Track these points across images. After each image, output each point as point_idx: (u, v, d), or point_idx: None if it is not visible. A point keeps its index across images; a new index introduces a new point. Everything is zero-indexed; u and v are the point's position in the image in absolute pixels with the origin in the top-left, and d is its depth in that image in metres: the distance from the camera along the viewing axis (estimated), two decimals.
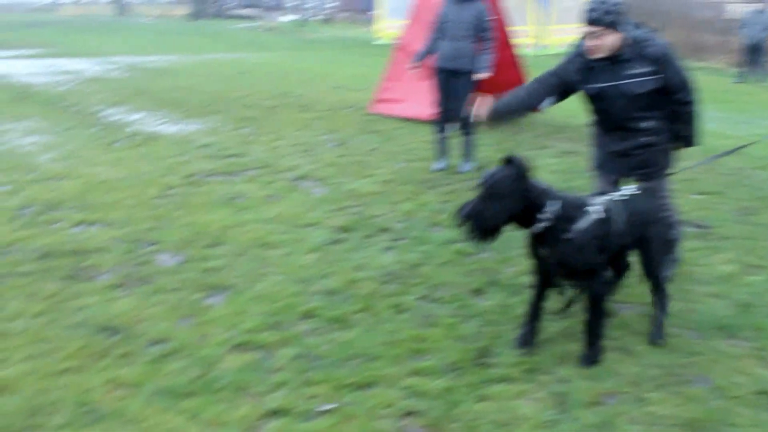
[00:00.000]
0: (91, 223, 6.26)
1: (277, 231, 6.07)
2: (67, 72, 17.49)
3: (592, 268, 3.97)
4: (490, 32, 7.95)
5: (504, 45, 9.89)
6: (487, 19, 7.91)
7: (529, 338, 4.22)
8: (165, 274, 5.20)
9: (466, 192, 7.21)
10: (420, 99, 10.05)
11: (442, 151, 8.34)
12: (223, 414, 3.54)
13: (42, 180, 7.58)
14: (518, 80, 10.31)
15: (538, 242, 3.97)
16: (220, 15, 44.65)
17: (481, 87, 8.00)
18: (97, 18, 46.21)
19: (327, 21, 38.47)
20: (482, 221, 3.74)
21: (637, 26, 4.62)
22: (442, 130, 8.29)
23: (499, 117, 4.93)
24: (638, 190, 4.33)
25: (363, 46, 25.27)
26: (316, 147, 9.29)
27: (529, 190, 3.77)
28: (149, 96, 13.57)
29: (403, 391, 3.80)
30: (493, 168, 3.81)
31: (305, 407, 3.61)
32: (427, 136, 9.37)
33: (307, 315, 4.58)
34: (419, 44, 8.69)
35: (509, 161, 3.76)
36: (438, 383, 3.85)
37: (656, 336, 4.38)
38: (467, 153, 8.29)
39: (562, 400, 3.75)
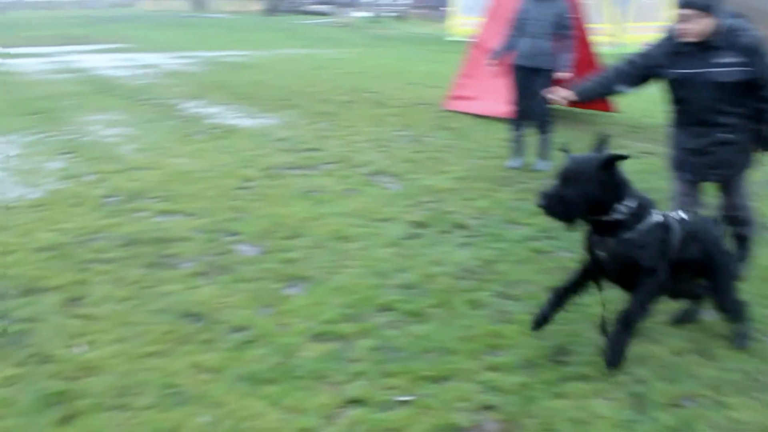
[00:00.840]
0: (173, 213, 6.44)
1: (354, 224, 6.15)
2: (147, 66, 17.94)
3: (651, 268, 3.92)
4: (570, 30, 7.89)
5: (582, 43, 9.79)
6: (568, 16, 7.85)
7: (541, 321, 4.19)
8: (245, 263, 5.32)
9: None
10: (495, 96, 10.01)
11: (518, 149, 8.31)
12: (303, 401, 3.61)
13: (125, 170, 7.81)
14: None
15: (601, 235, 3.94)
16: (294, 10, 45.08)
17: (560, 85, 7.96)
18: (174, 13, 47.14)
19: (400, 17, 38.47)
20: (562, 204, 3.77)
21: (734, 16, 4.52)
22: (518, 128, 8.26)
23: (581, 100, 4.96)
24: (703, 218, 4.45)
25: (436, 43, 25.23)
26: (390, 143, 9.34)
27: (613, 182, 3.81)
28: (227, 90, 13.83)
29: (480, 385, 3.81)
30: (582, 154, 3.88)
31: (383, 398, 3.66)
32: (501, 133, 9.35)
33: (385, 308, 4.64)
34: (495, 41, 8.68)
35: (600, 146, 3.90)
36: (514, 379, 3.85)
37: (740, 341, 4.30)
38: (543, 151, 8.25)
39: (639, 401, 3.72)
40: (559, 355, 4.12)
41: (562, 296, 4.16)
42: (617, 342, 3.95)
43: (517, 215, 6.51)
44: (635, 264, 3.90)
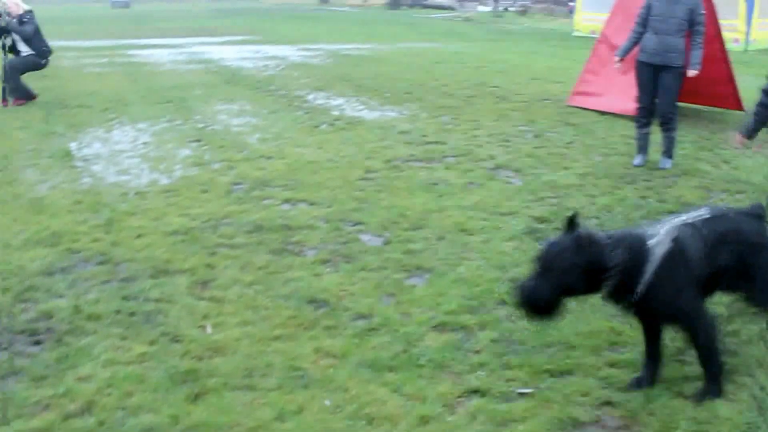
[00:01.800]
0: (298, 202, 6.61)
1: (475, 218, 6.15)
2: (272, 58, 18.41)
3: (683, 310, 3.54)
4: (702, 27, 7.63)
5: (712, 39, 9.43)
6: (701, 13, 7.59)
7: (642, 382, 3.74)
8: (368, 253, 5.41)
9: (665, 189, 7.01)
10: (620, 93, 9.77)
11: (643, 146, 8.09)
12: (424, 389, 3.65)
13: (252, 159, 8.08)
14: (725, 76, 9.92)
15: (615, 301, 3.53)
16: (417, 4, 45.24)
17: (686, 82, 7.72)
18: (300, 7, 48.12)
19: (523, 12, 38.02)
20: (537, 299, 3.35)
21: None
22: (643, 126, 8.04)
23: (750, 138, 5.25)
24: (716, 212, 3.80)
25: (561, 39, 24.80)
26: (513, 137, 9.27)
27: (590, 259, 3.31)
28: (350, 82, 14.04)
29: (601, 381, 3.76)
30: (552, 238, 3.53)
31: (504, 389, 3.66)
32: (624, 130, 9.14)
33: (506, 301, 4.62)
34: (622, 38, 8.47)
35: (570, 226, 3.36)
36: (634, 376, 3.79)
37: None
38: (668, 149, 8.00)
39: (763, 405, 3.59)
40: (680, 355, 4.01)
41: (649, 352, 3.82)
42: (711, 374, 3.63)
43: (640, 213, 6.35)
44: (664, 316, 3.60)
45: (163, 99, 12.24)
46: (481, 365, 3.88)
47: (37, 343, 4.13)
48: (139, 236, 5.77)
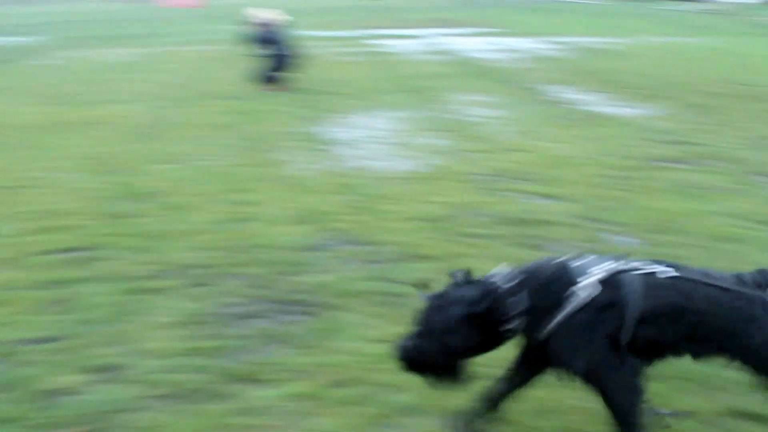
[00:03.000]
0: (545, 196, 6.51)
1: (738, 225, 5.74)
2: (515, 50, 18.30)
3: (597, 373, 2.76)
4: None
5: None
6: None
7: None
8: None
9: None
10: None
11: None
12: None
13: (499, 151, 8.07)
14: None
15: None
16: None
17: None
18: None
19: None
20: (423, 361, 2.83)
21: None
22: None
23: None
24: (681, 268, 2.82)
25: None
26: None
27: (481, 313, 2.75)
28: (596, 77, 13.65)
29: None
30: (433, 294, 2.86)
31: None
32: None
33: None
34: None
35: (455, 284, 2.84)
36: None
37: None
38: None
39: None
40: None
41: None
42: None
43: None
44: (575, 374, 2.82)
45: (408, 88, 12.55)
46: None
47: (301, 313, 4.36)
48: (388, 220, 5.93)
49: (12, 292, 4.75)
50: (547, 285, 2.75)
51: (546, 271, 2.81)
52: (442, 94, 11.92)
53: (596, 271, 2.73)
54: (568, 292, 2.70)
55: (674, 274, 2.75)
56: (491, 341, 2.83)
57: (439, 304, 2.79)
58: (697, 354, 2.83)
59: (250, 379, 3.71)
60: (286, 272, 4.94)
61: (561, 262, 2.84)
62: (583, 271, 2.75)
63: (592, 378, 2.75)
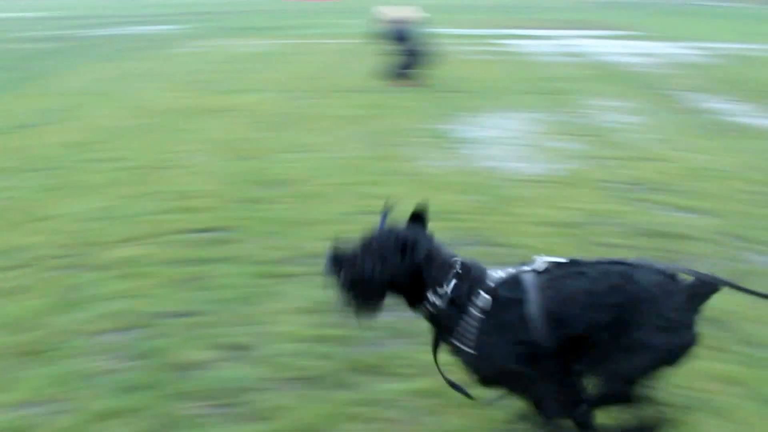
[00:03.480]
0: (685, 209, 6.23)
1: None
2: (654, 55, 17.72)
3: (507, 377, 2.78)
4: None
5: None
6: None
7: None
8: (762, 275, 4.94)
9: None
10: None
11: None
12: None
13: (634, 158, 7.81)
14: None
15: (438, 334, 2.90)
16: None
17: None
18: (675, 1, 45.88)
19: None
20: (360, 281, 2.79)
21: None
22: None
23: None
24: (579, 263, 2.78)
25: None
26: None
27: (425, 260, 2.78)
28: (742, 86, 13.02)
29: None
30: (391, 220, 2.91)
31: None
32: None
33: None
34: None
35: (416, 218, 2.90)
36: None
37: None
38: None
39: None
40: None
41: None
42: None
43: None
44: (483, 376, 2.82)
45: (541, 90, 12.34)
46: None
47: None
48: (519, 223, 5.82)
49: (150, 267, 4.93)
50: (467, 276, 2.78)
51: (473, 266, 2.83)
52: (577, 97, 11.66)
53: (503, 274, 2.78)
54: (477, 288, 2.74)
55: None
56: (411, 292, 2.82)
57: (391, 228, 2.85)
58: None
59: (376, 371, 3.70)
60: None
61: (481, 266, 2.85)
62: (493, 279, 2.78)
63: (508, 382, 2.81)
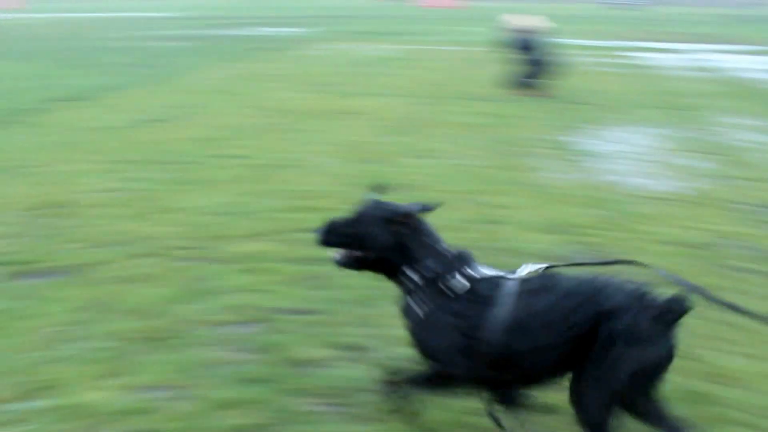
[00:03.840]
0: None
1: None
2: None
3: (440, 362, 2.98)
4: None
5: None
6: None
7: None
8: None
9: None
10: None
11: None
12: None
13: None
14: None
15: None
16: None
17: None
18: None
19: None
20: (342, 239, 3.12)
21: None
22: None
23: None
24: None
25: None
26: None
27: (409, 237, 3.03)
28: None
29: None
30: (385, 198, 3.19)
31: None
32: None
33: None
34: None
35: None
36: None
37: None
38: None
39: None
40: None
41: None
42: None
43: None
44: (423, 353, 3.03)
45: (668, 104, 11.96)
46: None
47: None
48: (644, 241, 5.65)
49: (271, 263, 5.03)
50: (447, 262, 2.96)
51: (457, 255, 3.00)
52: (707, 113, 11.22)
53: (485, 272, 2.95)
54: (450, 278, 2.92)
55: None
56: (390, 267, 3.06)
57: (378, 203, 3.12)
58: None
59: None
60: None
61: (468, 254, 3.02)
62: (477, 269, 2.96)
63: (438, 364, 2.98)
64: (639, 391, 2.75)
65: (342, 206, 6.13)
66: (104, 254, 5.20)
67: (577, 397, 2.79)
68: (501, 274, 2.95)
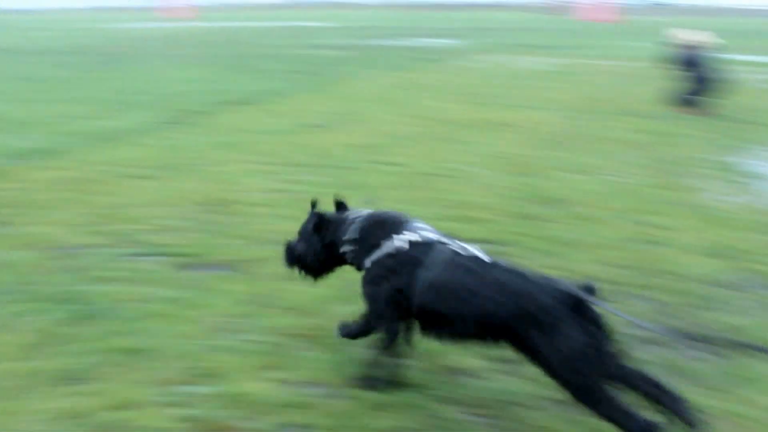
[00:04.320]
0: None
1: None
2: None
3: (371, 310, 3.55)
4: None
5: None
6: None
7: None
8: None
9: None
10: None
11: None
12: None
13: None
14: None
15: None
16: None
17: None
18: None
19: None
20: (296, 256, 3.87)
21: None
22: None
23: None
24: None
25: None
26: None
27: (324, 230, 3.74)
28: None
29: None
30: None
31: None
32: None
33: None
34: None
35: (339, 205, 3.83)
36: None
37: None
38: None
39: None
40: None
41: None
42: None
43: None
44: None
45: None
46: None
47: (710, 352, 4.06)
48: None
49: None
50: (376, 227, 3.45)
51: (383, 217, 3.50)
52: None
53: (421, 233, 3.32)
54: (387, 239, 3.36)
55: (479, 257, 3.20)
56: (333, 257, 3.73)
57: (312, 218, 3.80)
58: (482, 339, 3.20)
59: (644, 405, 3.52)
60: (696, 305, 4.64)
61: (400, 215, 3.50)
62: (412, 229, 3.36)
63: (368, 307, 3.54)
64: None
65: (497, 218, 6.20)
66: (265, 251, 5.40)
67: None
68: (437, 238, 3.34)
